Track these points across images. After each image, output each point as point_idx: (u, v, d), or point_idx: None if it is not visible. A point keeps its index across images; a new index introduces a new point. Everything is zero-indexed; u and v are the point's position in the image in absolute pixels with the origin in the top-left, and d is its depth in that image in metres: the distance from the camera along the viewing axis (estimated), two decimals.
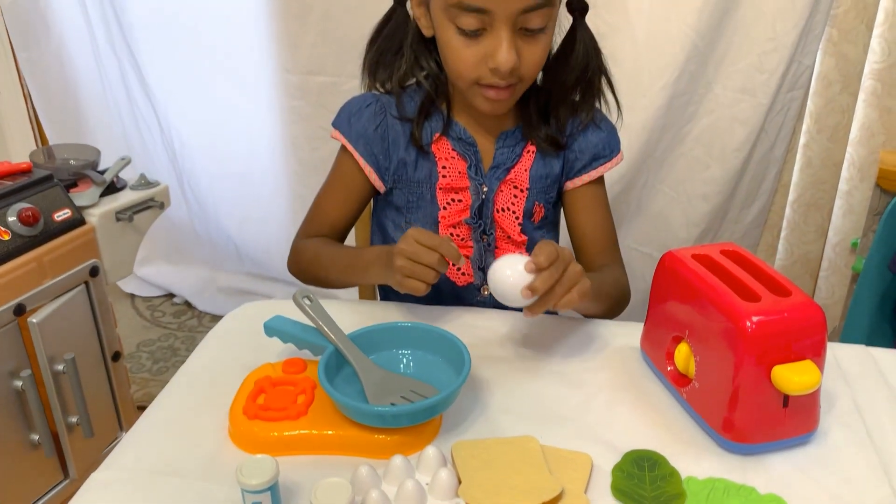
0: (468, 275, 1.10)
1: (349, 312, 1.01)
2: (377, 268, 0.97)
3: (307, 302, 0.87)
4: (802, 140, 1.95)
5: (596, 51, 1.05)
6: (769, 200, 2.02)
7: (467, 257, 1.10)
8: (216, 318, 2.36)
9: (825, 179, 1.96)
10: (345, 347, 0.84)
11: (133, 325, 2.33)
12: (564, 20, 1.03)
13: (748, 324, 0.74)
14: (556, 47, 1.05)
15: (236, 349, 0.96)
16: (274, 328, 0.89)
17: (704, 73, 1.85)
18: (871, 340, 1.33)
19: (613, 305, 1.06)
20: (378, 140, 1.07)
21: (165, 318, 2.37)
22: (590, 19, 1.04)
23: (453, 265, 0.94)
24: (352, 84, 1.93)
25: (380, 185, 1.10)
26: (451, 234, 1.09)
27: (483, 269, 1.10)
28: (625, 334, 0.98)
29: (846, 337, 1.34)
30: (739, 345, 0.74)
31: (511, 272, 0.85)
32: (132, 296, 2.49)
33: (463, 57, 0.95)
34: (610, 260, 1.12)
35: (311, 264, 1.10)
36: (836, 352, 0.95)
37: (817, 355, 0.76)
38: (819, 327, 0.76)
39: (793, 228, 2.05)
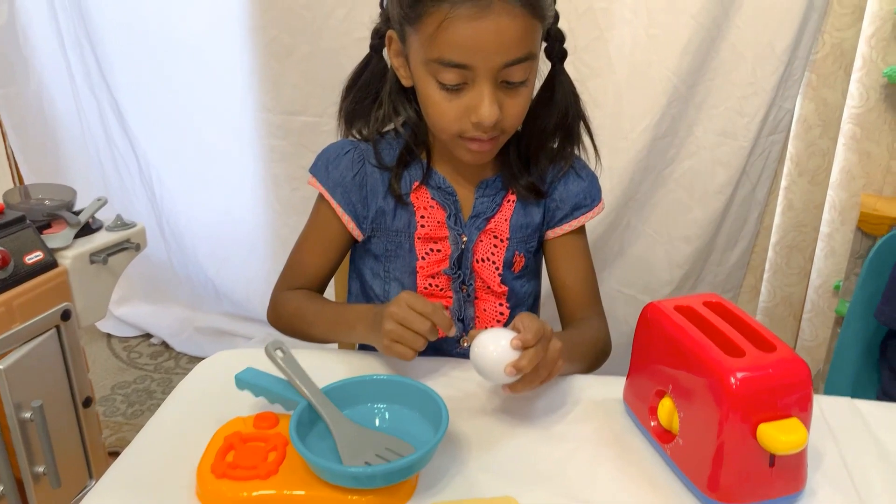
0: None
1: (324, 363, 0.98)
2: (363, 327, 0.95)
3: (279, 354, 0.84)
4: (784, 183, 1.96)
5: (575, 97, 1.04)
6: (751, 242, 2.02)
7: (447, 307, 1.08)
8: (193, 360, 2.32)
9: (807, 222, 1.97)
10: (318, 402, 0.81)
11: (108, 367, 2.28)
12: (543, 66, 1.03)
13: (732, 380, 0.72)
14: (535, 93, 1.03)
15: (208, 400, 0.93)
16: (245, 381, 0.86)
17: (685, 115, 1.86)
18: (857, 387, 1.32)
19: (591, 364, 1.04)
20: (356, 188, 1.05)
21: (142, 360, 2.32)
22: (570, 62, 1.03)
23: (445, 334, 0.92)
24: (333, 124, 1.90)
25: (357, 234, 1.08)
26: (430, 285, 1.07)
27: (462, 321, 1.08)
28: (608, 386, 0.96)
29: (831, 383, 1.32)
30: (724, 402, 0.72)
31: (494, 348, 0.82)
32: (108, 336, 2.44)
33: (444, 111, 0.93)
34: (591, 311, 1.10)
35: (293, 318, 1.07)
36: (822, 404, 0.94)
37: (803, 411, 0.74)
38: (804, 383, 0.75)
39: (775, 271, 2.05)
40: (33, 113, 2.20)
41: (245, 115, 2.06)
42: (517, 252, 1.07)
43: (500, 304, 1.08)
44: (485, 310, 1.08)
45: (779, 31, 1.74)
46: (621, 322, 2.06)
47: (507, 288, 1.07)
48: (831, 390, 1.33)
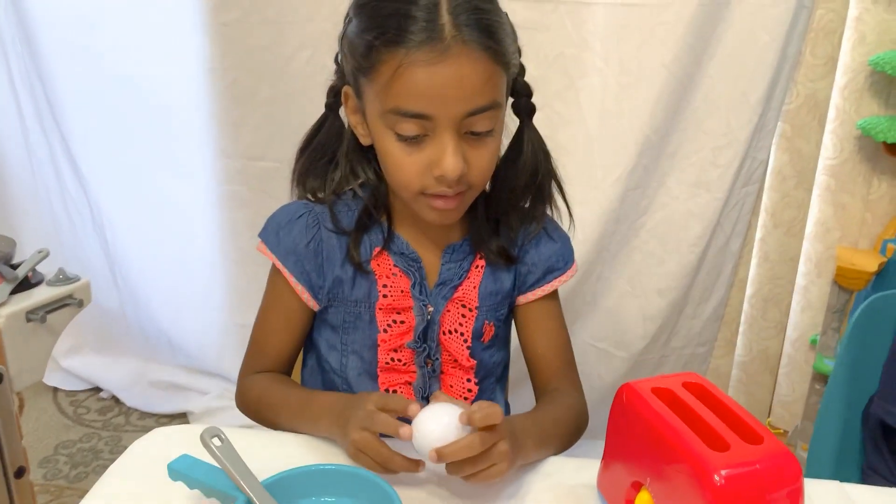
0: None
1: (269, 448, 0.89)
2: (328, 423, 0.87)
3: (216, 443, 0.76)
4: (758, 234, 1.92)
5: (545, 154, 0.98)
6: (726, 295, 1.97)
7: (409, 384, 1.00)
8: (144, 416, 2.21)
9: (782, 275, 1.93)
10: (258, 498, 0.72)
11: (52, 424, 2.15)
12: (511, 122, 0.97)
13: (717, 478, 0.65)
14: (503, 149, 0.97)
15: (142, 488, 0.84)
16: (179, 472, 0.77)
17: (658, 166, 1.82)
18: (841, 457, 1.25)
19: (564, 444, 0.95)
20: (311, 256, 0.97)
21: (89, 416, 2.20)
22: (541, 110, 0.97)
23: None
24: None
25: (313, 304, 1.00)
26: (392, 359, 0.99)
27: (427, 398, 1.00)
28: (580, 470, 0.88)
29: (814, 455, 1.26)
30: (708, 500, 0.65)
31: (432, 426, 0.76)
32: (55, 389, 2.31)
33: (405, 166, 0.86)
34: (565, 382, 1.02)
35: (258, 406, 0.98)
36: (809, 490, 0.86)
37: None
38: (795, 478, 0.68)
39: (751, 324, 2.01)
40: None
41: (203, 159, 1.98)
42: (486, 321, 1.00)
43: (469, 380, 1.00)
44: (451, 385, 1.01)
45: (752, 82, 1.72)
46: (594, 377, 1.99)
47: (475, 361, 1.00)
48: (814, 460, 1.27)
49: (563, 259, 1.03)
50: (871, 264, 1.73)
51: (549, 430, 0.90)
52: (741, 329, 2.03)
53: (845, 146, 1.77)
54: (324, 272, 0.97)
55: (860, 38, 1.69)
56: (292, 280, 0.97)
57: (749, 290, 1.98)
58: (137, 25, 1.91)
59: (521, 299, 1.03)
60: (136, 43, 1.93)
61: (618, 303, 1.96)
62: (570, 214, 1.03)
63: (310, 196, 0.99)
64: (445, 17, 0.79)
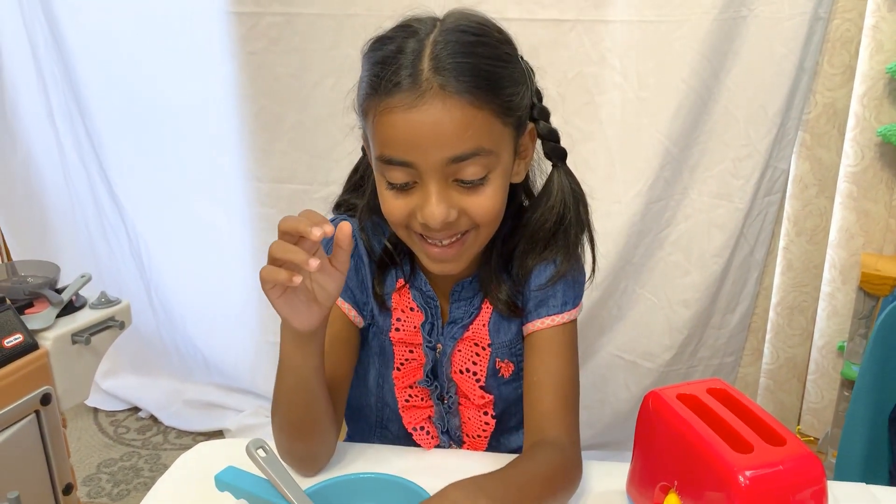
0: (434, 437, 1.01)
1: None
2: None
3: (262, 454, 0.79)
4: (782, 243, 1.93)
5: (577, 201, 0.93)
6: (752, 304, 1.98)
7: (429, 418, 1.00)
8: (182, 434, 2.25)
9: (807, 282, 1.93)
10: None
11: (94, 443, 2.21)
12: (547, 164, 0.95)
13: (741, 479, 0.67)
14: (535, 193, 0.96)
15: (189, 498, 0.88)
16: (226, 482, 0.81)
17: (679, 178, 1.84)
18: (869, 460, 1.27)
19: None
20: (352, 272, 0.96)
21: (129, 435, 2.26)
22: (562, 126, 0.95)
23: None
24: (324, 192, 1.92)
25: (359, 321, 0.98)
26: (410, 396, 1.00)
27: (448, 432, 1.01)
28: (610, 476, 0.91)
29: (842, 458, 1.27)
30: (733, 501, 0.68)
31: None
32: (95, 410, 2.37)
33: (393, 211, 0.85)
34: (556, 428, 0.90)
35: (277, 408, 0.89)
36: (836, 492, 0.88)
37: None
38: (818, 479, 0.70)
39: (777, 332, 2.01)
40: (20, 185, 2.19)
41: (234, 183, 2.04)
42: (500, 359, 0.98)
43: (485, 413, 0.99)
44: (469, 417, 1.00)
45: (770, 93, 1.74)
46: (622, 388, 2.01)
47: (491, 396, 0.98)
48: (842, 464, 1.29)
49: (571, 298, 0.97)
50: (895, 270, 1.73)
51: (523, 485, 0.79)
52: (768, 337, 2.03)
53: (866, 153, 1.78)
54: (365, 287, 0.98)
55: (877, 46, 1.70)
56: (338, 299, 0.95)
57: (774, 299, 1.99)
58: (170, 56, 1.98)
59: (526, 328, 0.97)
60: (169, 73, 2.00)
61: (644, 315, 1.97)
62: (594, 268, 0.99)
63: (348, 211, 1.00)
64: (426, 63, 0.78)
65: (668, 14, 1.70)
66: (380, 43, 0.83)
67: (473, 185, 0.83)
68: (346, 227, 0.75)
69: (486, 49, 0.82)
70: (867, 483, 0.92)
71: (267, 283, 0.75)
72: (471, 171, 0.81)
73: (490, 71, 0.81)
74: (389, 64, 0.80)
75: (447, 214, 0.82)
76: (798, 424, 2.07)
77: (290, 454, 0.89)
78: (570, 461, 0.88)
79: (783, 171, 1.84)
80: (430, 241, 0.87)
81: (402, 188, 0.83)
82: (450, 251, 0.87)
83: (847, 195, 1.83)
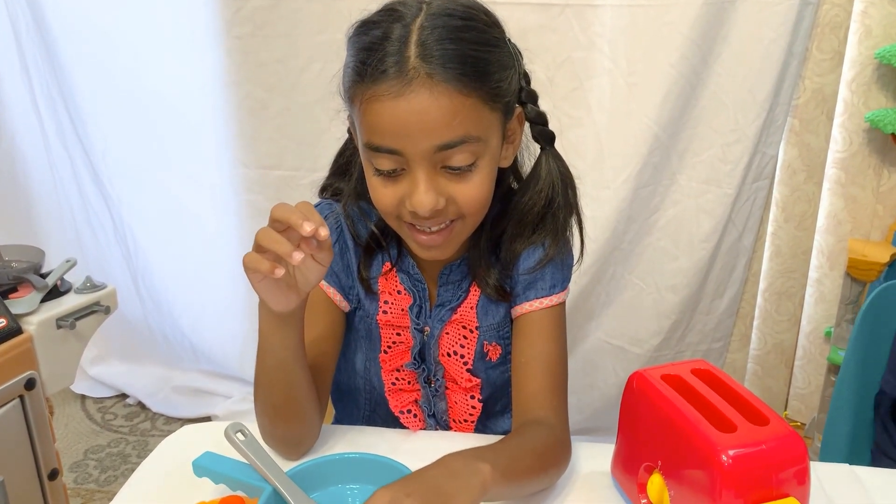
0: (421, 420, 1.01)
1: None
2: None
3: (240, 437, 0.79)
4: (770, 229, 1.93)
5: (566, 184, 0.93)
6: (740, 290, 1.99)
7: (416, 402, 1.00)
8: (170, 420, 2.25)
9: (795, 268, 1.94)
10: (284, 488, 0.76)
11: (81, 430, 2.20)
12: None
13: (724, 458, 0.67)
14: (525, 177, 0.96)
15: (172, 481, 0.87)
16: (204, 467, 0.80)
17: (668, 164, 1.84)
18: (854, 442, 1.27)
19: (537, 475, 0.83)
20: (337, 257, 0.96)
21: (117, 422, 2.25)
22: (550, 111, 0.94)
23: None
24: (311, 178, 1.89)
25: (344, 305, 0.98)
26: (397, 379, 0.99)
27: (434, 416, 1.00)
28: (594, 458, 0.91)
29: (827, 441, 1.28)
30: (716, 480, 0.68)
31: None
32: (82, 397, 2.36)
33: (381, 199, 0.85)
34: (544, 409, 0.90)
35: (258, 390, 0.88)
36: (819, 472, 0.88)
37: (800, 486, 0.70)
38: (800, 458, 0.70)
39: (765, 318, 2.02)
40: (5, 171, 2.17)
41: (220, 170, 2.02)
42: (487, 342, 0.97)
43: (472, 398, 0.99)
44: (456, 402, 1.00)
45: (759, 79, 1.74)
46: (609, 373, 2.02)
47: (479, 380, 0.98)
48: (828, 447, 1.29)
49: (559, 280, 0.97)
50: (883, 255, 1.74)
51: (516, 457, 0.80)
52: (755, 323, 2.04)
53: (854, 139, 1.78)
54: (350, 272, 0.97)
55: (866, 31, 1.71)
56: (323, 284, 0.96)
57: (762, 285, 1.99)
58: (155, 41, 1.96)
59: (515, 311, 0.96)
60: (154, 58, 1.98)
61: (632, 300, 1.97)
62: (582, 251, 0.99)
63: (334, 196, 0.99)
64: (412, 50, 0.77)
65: None
66: (365, 27, 0.82)
67: (462, 172, 0.82)
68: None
69: (473, 34, 0.81)
70: (851, 464, 0.93)
71: (248, 271, 0.75)
72: (459, 159, 0.81)
73: (477, 57, 0.80)
74: (375, 51, 0.78)
75: (436, 202, 0.82)
76: (785, 410, 2.09)
77: (273, 437, 0.89)
78: (559, 441, 0.87)
79: (772, 157, 1.84)
80: (418, 228, 0.86)
81: (390, 175, 0.83)
82: (438, 238, 0.87)
83: (835, 181, 1.84)
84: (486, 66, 0.81)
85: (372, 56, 0.78)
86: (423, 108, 0.77)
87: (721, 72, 1.75)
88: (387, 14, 0.81)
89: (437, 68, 0.77)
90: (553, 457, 0.85)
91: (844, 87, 1.77)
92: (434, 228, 0.86)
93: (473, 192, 0.84)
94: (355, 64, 0.81)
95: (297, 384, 0.86)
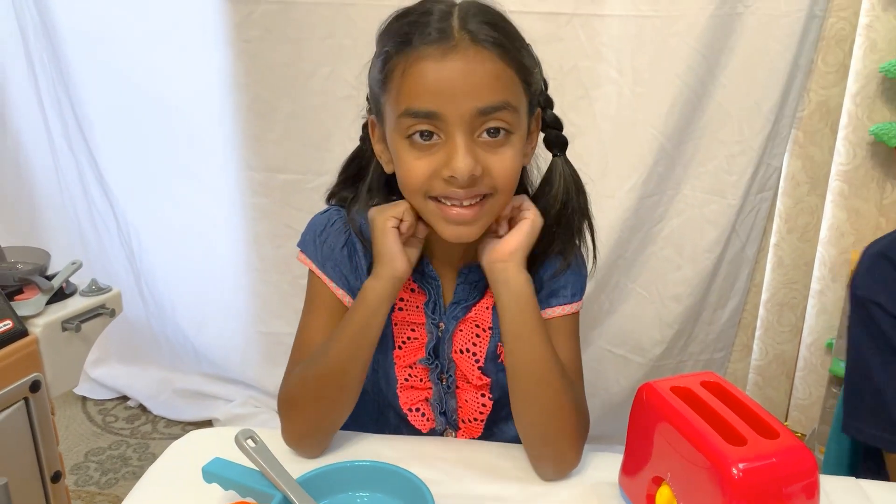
0: (430, 419, 1.02)
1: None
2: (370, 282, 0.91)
3: (251, 444, 0.79)
4: (773, 240, 1.94)
5: (578, 189, 0.96)
6: (742, 300, 1.99)
7: (426, 400, 1.01)
8: (171, 424, 2.25)
9: (797, 279, 1.95)
10: (294, 495, 0.76)
11: (82, 432, 2.20)
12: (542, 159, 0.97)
13: (734, 471, 0.68)
14: (536, 184, 0.98)
15: (180, 487, 0.87)
16: (213, 473, 0.81)
17: (673, 174, 1.84)
18: (856, 456, 1.27)
19: (555, 381, 0.90)
20: (346, 259, 0.98)
21: (118, 424, 2.25)
22: None
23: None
24: (318, 181, 1.92)
25: None
26: (410, 375, 1.00)
27: (445, 413, 1.01)
28: (602, 467, 0.92)
29: (829, 458, 1.28)
30: (726, 493, 0.68)
31: None
32: (83, 399, 2.36)
33: (414, 169, 0.85)
34: None
35: (304, 378, 0.93)
36: (826, 487, 0.88)
37: (810, 499, 0.70)
38: (810, 472, 0.71)
39: (767, 328, 2.02)
40: (10, 172, 2.17)
41: (226, 173, 2.03)
42: (500, 344, 0.97)
43: (483, 396, 1.00)
44: (466, 401, 1.01)
45: (764, 90, 1.74)
46: (612, 383, 2.02)
47: (489, 379, 0.99)
48: (830, 461, 1.29)
49: (578, 290, 1.00)
50: None
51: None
52: (757, 333, 2.04)
53: (858, 152, 1.79)
54: (360, 274, 0.98)
55: (871, 45, 1.71)
56: (332, 285, 0.98)
57: (764, 295, 2.00)
58: (163, 43, 1.96)
59: None
60: (161, 60, 1.98)
61: (635, 309, 1.98)
62: (595, 256, 1.01)
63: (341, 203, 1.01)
64: (456, 21, 0.83)
65: (664, 9, 1.70)
66: (404, 12, 0.87)
67: (497, 142, 0.85)
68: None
69: (508, 25, 0.87)
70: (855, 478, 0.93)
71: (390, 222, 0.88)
72: (497, 124, 0.84)
73: (514, 40, 0.86)
74: (419, 24, 0.83)
75: (474, 167, 0.83)
76: (785, 420, 2.09)
77: (318, 429, 0.92)
78: (583, 415, 0.95)
79: (776, 169, 1.85)
80: (449, 203, 0.87)
81: (425, 142, 0.84)
82: (469, 213, 0.87)
83: (838, 193, 1.84)
84: (521, 51, 0.86)
85: (415, 27, 0.83)
86: (469, 68, 0.81)
87: (727, 83, 1.76)
88: (424, 3, 0.86)
89: (480, 34, 0.82)
90: (580, 414, 0.93)
91: (849, 100, 1.77)
92: (466, 203, 0.86)
93: (507, 163, 0.86)
94: (397, 37, 0.85)
95: (365, 367, 0.92)
